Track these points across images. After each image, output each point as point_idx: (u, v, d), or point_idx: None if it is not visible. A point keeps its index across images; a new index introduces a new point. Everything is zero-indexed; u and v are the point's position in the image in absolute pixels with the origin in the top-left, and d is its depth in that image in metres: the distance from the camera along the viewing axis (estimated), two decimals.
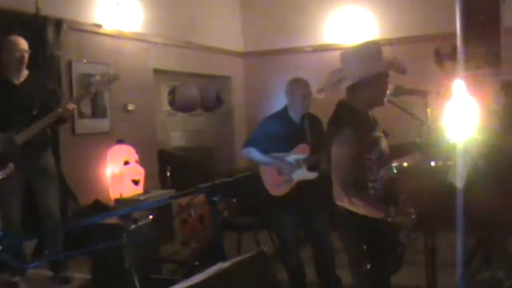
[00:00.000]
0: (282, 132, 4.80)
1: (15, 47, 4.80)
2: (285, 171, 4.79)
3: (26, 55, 4.86)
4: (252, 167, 5.27)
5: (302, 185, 4.79)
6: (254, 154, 4.90)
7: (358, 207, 3.09)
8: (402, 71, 3.28)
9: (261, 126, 5.00)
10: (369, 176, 3.19)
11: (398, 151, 4.32)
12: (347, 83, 3.17)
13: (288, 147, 4.83)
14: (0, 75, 4.85)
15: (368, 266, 3.14)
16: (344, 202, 3.12)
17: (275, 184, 4.85)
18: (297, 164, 4.78)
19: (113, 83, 5.19)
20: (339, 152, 3.14)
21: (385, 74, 3.26)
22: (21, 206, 4.90)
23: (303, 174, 4.79)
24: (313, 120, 4.92)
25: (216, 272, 2.19)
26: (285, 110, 4.88)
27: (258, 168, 4.97)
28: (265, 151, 4.84)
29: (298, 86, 4.78)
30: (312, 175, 4.80)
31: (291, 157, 4.81)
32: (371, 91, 3.22)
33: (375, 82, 3.20)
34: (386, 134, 4.87)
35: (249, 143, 4.98)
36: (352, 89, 3.21)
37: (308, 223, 4.84)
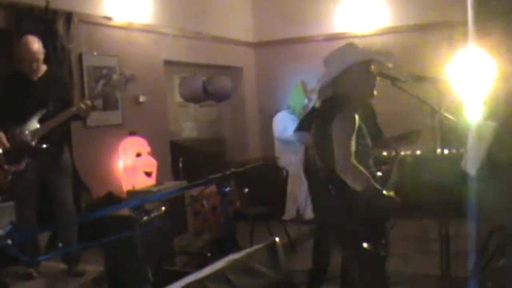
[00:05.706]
0: None
1: (27, 53, 4.73)
2: None
3: (40, 57, 4.81)
4: (265, 157, 5.27)
5: None
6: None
7: (361, 180, 3.08)
8: (384, 59, 3.30)
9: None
10: (360, 160, 3.19)
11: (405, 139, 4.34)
12: (326, 80, 3.29)
13: None
14: (18, 70, 4.85)
15: (365, 245, 3.13)
16: (347, 175, 3.11)
17: None
18: None
19: (129, 84, 5.17)
20: (343, 127, 3.15)
21: (364, 66, 3.28)
22: (37, 200, 4.93)
23: None
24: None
25: (228, 262, 2.19)
26: None
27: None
28: None
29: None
30: None
31: None
32: (350, 84, 3.27)
33: (352, 74, 3.26)
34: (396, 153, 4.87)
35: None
36: (335, 85, 3.30)
37: None
